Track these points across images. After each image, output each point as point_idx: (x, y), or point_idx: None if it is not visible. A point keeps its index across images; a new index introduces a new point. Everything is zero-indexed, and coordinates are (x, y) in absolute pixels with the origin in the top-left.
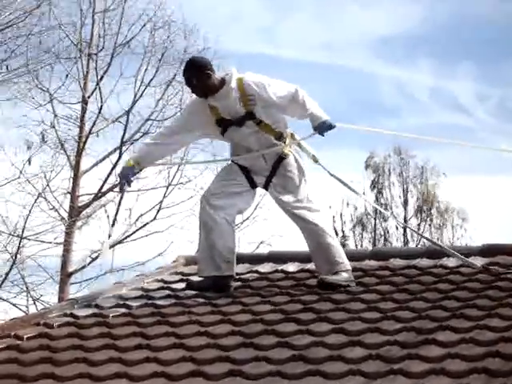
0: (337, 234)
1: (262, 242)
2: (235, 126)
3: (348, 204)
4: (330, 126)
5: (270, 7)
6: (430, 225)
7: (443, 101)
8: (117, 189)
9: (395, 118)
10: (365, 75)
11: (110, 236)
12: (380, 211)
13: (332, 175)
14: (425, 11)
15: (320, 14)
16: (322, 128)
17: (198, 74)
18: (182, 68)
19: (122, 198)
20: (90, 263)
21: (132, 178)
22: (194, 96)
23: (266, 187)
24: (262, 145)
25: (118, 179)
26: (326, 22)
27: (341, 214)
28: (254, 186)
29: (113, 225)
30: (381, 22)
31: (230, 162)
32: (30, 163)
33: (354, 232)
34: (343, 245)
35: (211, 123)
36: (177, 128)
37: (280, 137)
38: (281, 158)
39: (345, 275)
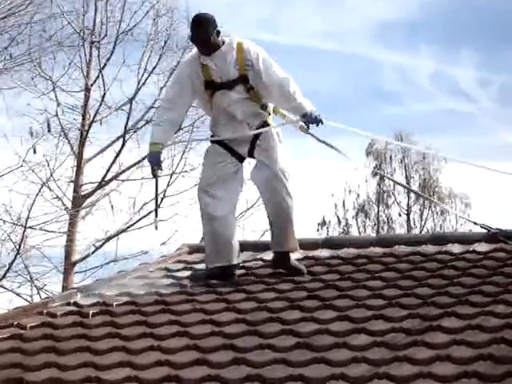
0: (339, 221)
1: (266, 230)
2: (225, 90)
3: (350, 191)
4: (318, 120)
5: None
6: (432, 211)
7: (445, 87)
8: (150, 176)
9: (397, 104)
10: (366, 61)
11: (156, 218)
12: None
13: (320, 141)
14: None
15: (320, 1)
16: (310, 119)
17: (210, 28)
18: (191, 23)
19: (157, 183)
20: (93, 252)
21: (162, 161)
22: (183, 60)
23: (251, 153)
24: (247, 113)
25: (150, 166)
26: (326, 9)
27: (343, 202)
28: (241, 159)
29: (156, 213)
30: (381, 8)
31: (210, 144)
32: (35, 152)
33: (356, 220)
34: (346, 232)
35: (200, 86)
36: (173, 98)
37: (264, 107)
38: (263, 127)
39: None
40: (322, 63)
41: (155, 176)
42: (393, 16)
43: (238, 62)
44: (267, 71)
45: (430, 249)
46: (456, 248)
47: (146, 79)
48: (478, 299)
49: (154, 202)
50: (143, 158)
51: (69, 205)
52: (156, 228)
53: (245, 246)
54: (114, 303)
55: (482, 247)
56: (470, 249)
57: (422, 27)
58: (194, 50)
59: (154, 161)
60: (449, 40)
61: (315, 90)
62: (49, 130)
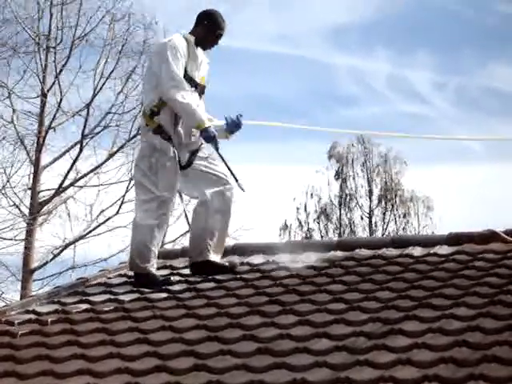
0: (301, 225)
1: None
2: (192, 88)
3: (312, 195)
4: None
5: None
6: (394, 214)
7: (401, 90)
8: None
9: (354, 107)
10: (321, 65)
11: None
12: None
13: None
14: None
15: (276, 4)
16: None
17: None
18: (222, 17)
19: (221, 155)
20: (51, 260)
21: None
22: (175, 39)
23: (190, 162)
24: None
25: (208, 141)
26: (282, 12)
27: (305, 206)
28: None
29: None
30: (336, 11)
31: (160, 141)
32: None
33: (318, 223)
34: (308, 236)
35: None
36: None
37: None
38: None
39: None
40: (276, 67)
41: (218, 150)
42: (346, 19)
43: (205, 69)
44: None
45: (390, 252)
46: (417, 251)
47: (103, 84)
48: (439, 302)
49: (229, 174)
50: (105, 160)
51: (26, 212)
52: (243, 190)
53: None
54: (73, 311)
55: (443, 250)
56: (431, 251)
57: (377, 30)
58: (178, 35)
59: (213, 137)
60: (404, 42)
61: (269, 94)
62: (3, 138)
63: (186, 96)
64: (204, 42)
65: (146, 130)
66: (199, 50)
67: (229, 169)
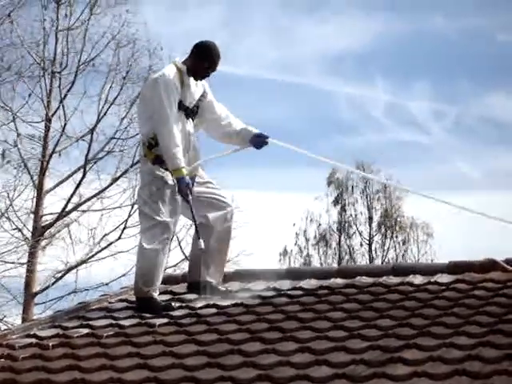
0: (301, 251)
1: (228, 261)
2: (189, 116)
3: (312, 220)
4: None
5: (226, 26)
6: (394, 241)
7: (399, 118)
8: (183, 202)
9: (353, 136)
10: (321, 92)
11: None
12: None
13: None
14: (380, 28)
15: (276, 32)
16: (262, 139)
17: None
18: (217, 49)
19: (192, 208)
20: (53, 284)
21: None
22: (167, 74)
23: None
24: (194, 145)
25: (182, 192)
26: (282, 40)
27: (304, 231)
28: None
29: (198, 235)
30: (337, 39)
31: (159, 170)
32: None
33: (318, 249)
34: (308, 263)
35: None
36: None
37: None
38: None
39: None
40: (277, 94)
41: (189, 201)
42: (346, 47)
43: (198, 92)
44: (216, 102)
45: (391, 280)
46: (417, 279)
47: (107, 110)
48: (439, 331)
49: (194, 227)
50: (109, 185)
51: (29, 236)
52: (202, 250)
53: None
54: (74, 335)
55: (444, 278)
56: (432, 280)
57: (375, 59)
58: (171, 66)
59: (188, 186)
60: (402, 71)
61: (268, 121)
62: (8, 162)
63: (174, 138)
64: (194, 73)
65: (145, 160)
66: (191, 78)
67: (195, 224)
